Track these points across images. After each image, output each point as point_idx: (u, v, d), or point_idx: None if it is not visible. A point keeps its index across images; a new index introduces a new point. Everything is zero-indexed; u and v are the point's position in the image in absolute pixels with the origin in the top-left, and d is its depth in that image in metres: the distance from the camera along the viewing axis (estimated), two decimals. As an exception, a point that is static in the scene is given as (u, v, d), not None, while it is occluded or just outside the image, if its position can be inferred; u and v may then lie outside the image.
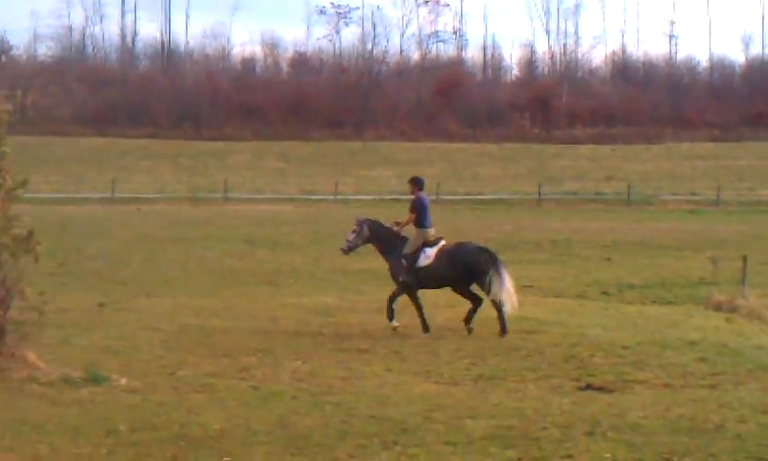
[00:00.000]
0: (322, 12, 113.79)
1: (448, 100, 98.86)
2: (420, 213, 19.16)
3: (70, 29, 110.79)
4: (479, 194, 69.60)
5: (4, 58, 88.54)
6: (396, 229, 19.53)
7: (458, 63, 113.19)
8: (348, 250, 19.98)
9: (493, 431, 10.27)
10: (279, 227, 42.09)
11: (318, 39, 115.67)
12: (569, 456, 9.57)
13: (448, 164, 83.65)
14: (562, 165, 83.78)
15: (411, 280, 18.83)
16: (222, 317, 18.54)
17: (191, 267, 28.00)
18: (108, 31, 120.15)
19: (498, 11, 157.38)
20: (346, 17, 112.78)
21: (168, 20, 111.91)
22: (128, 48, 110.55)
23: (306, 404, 11.30)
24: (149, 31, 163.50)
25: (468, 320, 18.26)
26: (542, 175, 74.77)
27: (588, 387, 12.85)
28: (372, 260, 29.39)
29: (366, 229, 19.62)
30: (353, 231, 19.83)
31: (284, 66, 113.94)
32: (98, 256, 29.58)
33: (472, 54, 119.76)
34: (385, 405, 11.36)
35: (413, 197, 19.54)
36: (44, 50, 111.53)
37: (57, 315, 15.54)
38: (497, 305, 18.15)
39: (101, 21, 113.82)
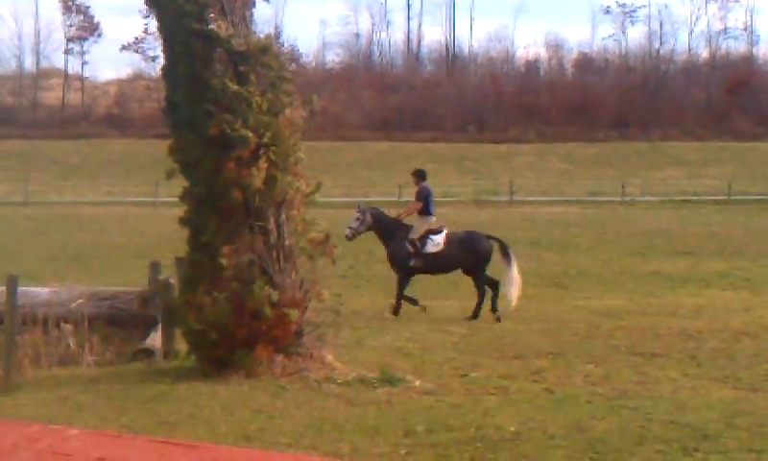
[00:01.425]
0: (607, 11, 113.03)
1: (739, 98, 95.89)
2: (425, 202, 20.54)
3: (357, 36, 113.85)
4: (774, 194, 67.18)
5: (294, 65, 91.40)
6: (401, 215, 20.98)
7: (749, 60, 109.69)
8: (352, 236, 20.82)
9: (801, 440, 9.81)
10: (566, 228, 41.79)
11: (603, 39, 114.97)
12: None
13: (740, 164, 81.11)
14: None
15: (419, 265, 20.11)
16: (511, 319, 18.48)
17: (479, 269, 28.09)
18: (394, 37, 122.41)
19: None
20: (632, 16, 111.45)
21: (452, 25, 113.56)
22: (413, 53, 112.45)
23: (602, 408, 11.09)
24: (434, 36, 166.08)
25: (475, 314, 19.17)
26: (842, 173, 71.47)
27: None
28: (662, 262, 28.90)
29: (369, 216, 20.74)
30: (357, 219, 20.75)
31: (568, 67, 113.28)
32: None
33: (764, 50, 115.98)
34: (683, 410, 11.01)
35: (417, 188, 20.90)
36: (332, 57, 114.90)
37: (350, 317, 15.87)
38: (496, 290, 19.57)
39: (387, 27, 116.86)
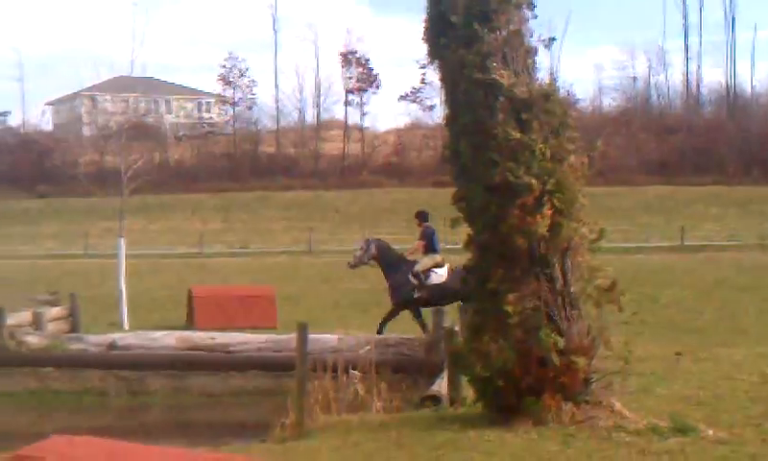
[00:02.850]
0: None
1: None
2: (430, 241, 22.02)
3: (634, 79, 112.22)
4: None
5: (572, 111, 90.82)
6: (407, 254, 22.59)
7: None
8: (355, 265, 22.56)
9: None
10: None
11: None
12: None
13: None
14: None
15: (423, 296, 21.53)
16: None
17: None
18: (672, 79, 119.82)
19: None
20: None
21: (733, 65, 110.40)
22: (692, 95, 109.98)
23: None
24: (713, 77, 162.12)
25: None
26: None
27: None
28: None
29: (373, 247, 22.23)
30: (361, 249, 22.27)
31: None
32: (671, 305, 29.45)
33: None
34: None
35: (420, 228, 22.51)
36: (609, 101, 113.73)
37: (635, 364, 15.55)
38: None
39: (665, 70, 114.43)
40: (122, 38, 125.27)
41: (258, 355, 19.55)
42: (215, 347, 19.99)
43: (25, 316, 21.66)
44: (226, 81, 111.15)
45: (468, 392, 13.58)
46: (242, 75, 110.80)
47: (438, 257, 22.13)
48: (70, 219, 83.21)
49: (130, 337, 20.79)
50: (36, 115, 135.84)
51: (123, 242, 26.90)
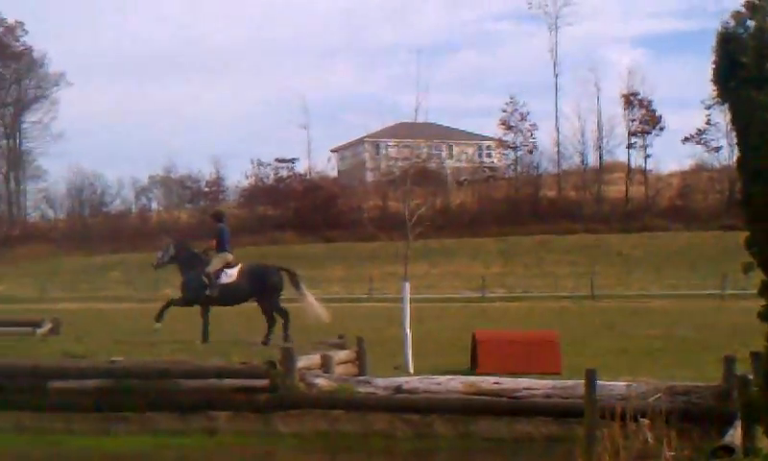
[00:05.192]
0: None
1: None
2: (219, 240, 23.53)
3: None
4: None
5: None
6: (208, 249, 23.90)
7: None
8: (158, 266, 24.02)
9: None
10: None
11: None
12: None
13: None
14: None
15: (215, 295, 23.17)
16: None
17: None
18: None
19: None
20: None
21: None
22: None
23: None
24: None
25: (265, 341, 23.12)
26: None
27: None
28: None
29: (172, 248, 23.50)
30: (161, 250, 23.60)
31: None
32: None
33: None
34: None
35: (215, 227, 24.05)
36: None
37: None
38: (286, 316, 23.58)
39: None
40: (405, 85, 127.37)
41: (545, 401, 19.45)
42: (501, 392, 20.00)
43: (314, 359, 22.21)
44: (507, 125, 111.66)
45: (764, 443, 13.13)
46: (523, 119, 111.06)
47: (229, 257, 23.74)
48: (355, 263, 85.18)
49: (415, 381, 21.03)
50: (321, 162, 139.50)
51: (408, 285, 27.30)
